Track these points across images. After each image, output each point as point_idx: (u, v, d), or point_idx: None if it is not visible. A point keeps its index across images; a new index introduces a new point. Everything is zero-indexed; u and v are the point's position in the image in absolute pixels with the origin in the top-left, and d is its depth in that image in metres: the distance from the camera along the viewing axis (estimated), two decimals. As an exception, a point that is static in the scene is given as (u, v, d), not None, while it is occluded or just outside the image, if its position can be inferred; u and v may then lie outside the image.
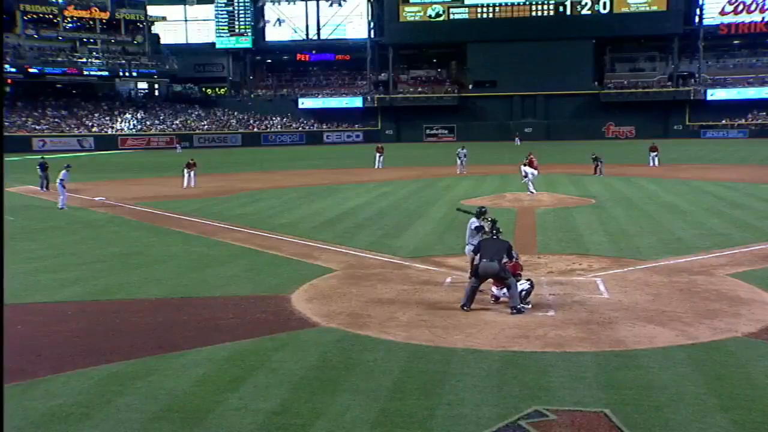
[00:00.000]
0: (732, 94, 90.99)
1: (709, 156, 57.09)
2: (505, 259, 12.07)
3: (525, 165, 30.89)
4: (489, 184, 36.36)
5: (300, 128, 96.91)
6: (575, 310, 11.98)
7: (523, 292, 12.44)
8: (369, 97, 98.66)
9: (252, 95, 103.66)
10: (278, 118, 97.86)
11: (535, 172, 30.60)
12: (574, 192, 31.51)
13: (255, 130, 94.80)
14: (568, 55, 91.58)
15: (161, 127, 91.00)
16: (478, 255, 12.18)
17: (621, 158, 47.52)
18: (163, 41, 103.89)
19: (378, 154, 48.23)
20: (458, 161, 43.19)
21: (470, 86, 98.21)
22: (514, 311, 11.68)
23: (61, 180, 27.56)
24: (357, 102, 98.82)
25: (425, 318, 11.64)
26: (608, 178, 37.19)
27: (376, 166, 47.26)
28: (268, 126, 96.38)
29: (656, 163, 45.36)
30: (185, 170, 36.00)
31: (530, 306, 12.20)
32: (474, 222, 14.00)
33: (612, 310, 11.93)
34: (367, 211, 25.79)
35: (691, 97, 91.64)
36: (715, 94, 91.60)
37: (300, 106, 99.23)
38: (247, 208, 27.43)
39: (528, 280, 12.54)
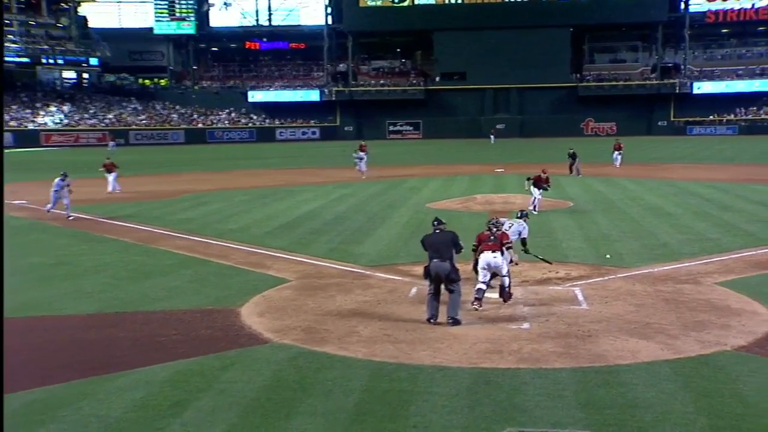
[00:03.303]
0: (720, 88, 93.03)
1: (696, 154, 58.29)
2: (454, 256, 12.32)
3: (531, 184, 26.80)
4: (458, 185, 36.62)
5: (250, 124, 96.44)
6: (552, 323, 12.13)
7: (506, 288, 13.16)
8: (326, 90, 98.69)
9: (196, 87, 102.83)
10: (225, 113, 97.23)
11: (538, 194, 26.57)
12: (551, 194, 31.83)
13: (199, 125, 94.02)
14: (544, 45, 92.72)
15: (92, 121, 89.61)
16: (427, 253, 12.32)
17: (601, 157, 48.25)
18: (92, 25, 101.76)
19: (361, 153, 47.33)
20: (356, 165, 41.17)
21: (437, 78, 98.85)
22: (451, 321, 11.86)
23: (57, 188, 26.57)
24: (313, 95, 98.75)
25: (389, 332, 11.68)
26: (587, 179, 37.74)
27: (357, 168, 46.67)
28: (214, 121, 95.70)
29: (618, 163, 45.14)
30: (105, 173, 34.86)
31: (511, 298, 13.19)
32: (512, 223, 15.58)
33: (592, 322, 12.11)
34: (325, 215, 25.74)
35: (677, 91, 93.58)
36: (702, 88, 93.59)
37: (250, 99, 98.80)
38: (191, 213, 27.17)
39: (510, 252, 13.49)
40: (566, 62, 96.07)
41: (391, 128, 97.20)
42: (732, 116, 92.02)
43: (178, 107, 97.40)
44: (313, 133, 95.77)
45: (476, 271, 13.49)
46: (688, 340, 11.11)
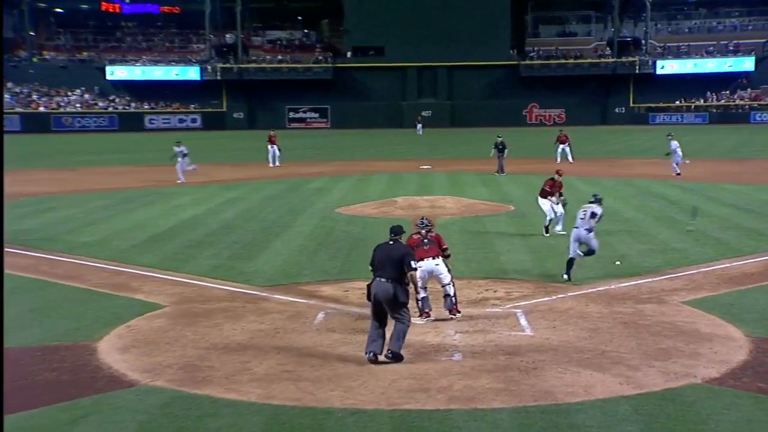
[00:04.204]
0: (687, 67, 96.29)
1: (659, 147, 59.87)
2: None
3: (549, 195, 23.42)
4: (375, 186, 36.82)
5: (110, 108, 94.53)
6: (489, 353, 12.32)
7: (453, 299, 13.92)
8: (209, 67, 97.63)
9: (35, 60, 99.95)
10: (77, 94, 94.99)
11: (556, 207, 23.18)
12: (487, 195, 32.45)
13: (41, 109, 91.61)
14: (478, 15, 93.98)
15: None
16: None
17: (547, 151, 49.31)
18: None
19: (270, 146, 47.15)
20: (177, 162, 39.29)
21: (349, 54, 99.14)
22: (390, 355, 11.85)
23: None
24: (192, 73, 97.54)
25: (290, 368, 11.65)
26: (529, 177, 38.46)
27: (271, 163, 46.66)
28: (62, 104, 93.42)
29: (570, 157, 46.58)
30: None
31: (460, 315, 14.04)
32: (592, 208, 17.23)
33: (537, 352, 12.35)
34: (208, 224, 25.61)
35: (637, 71, 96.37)
36: (666, 67, 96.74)
37: (109, 76, 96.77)
38: (31, 221, 26.49)
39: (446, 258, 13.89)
40: (505, 36, 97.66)
41: (292, 115, 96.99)
42: (701, 101, 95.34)
43: (10, 85, 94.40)
44: (194, 120, 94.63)
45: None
46: (651, 372, 11.44)
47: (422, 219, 14.74)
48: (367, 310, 14.53)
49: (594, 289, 16.51)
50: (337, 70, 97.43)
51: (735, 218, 25.80)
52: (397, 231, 12.56)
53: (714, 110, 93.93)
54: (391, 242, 12.40)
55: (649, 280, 17.39)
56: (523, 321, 14.14)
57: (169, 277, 18.01)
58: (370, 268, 12.31)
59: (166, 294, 16.50)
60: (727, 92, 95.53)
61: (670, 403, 10.30)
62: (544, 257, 19.89)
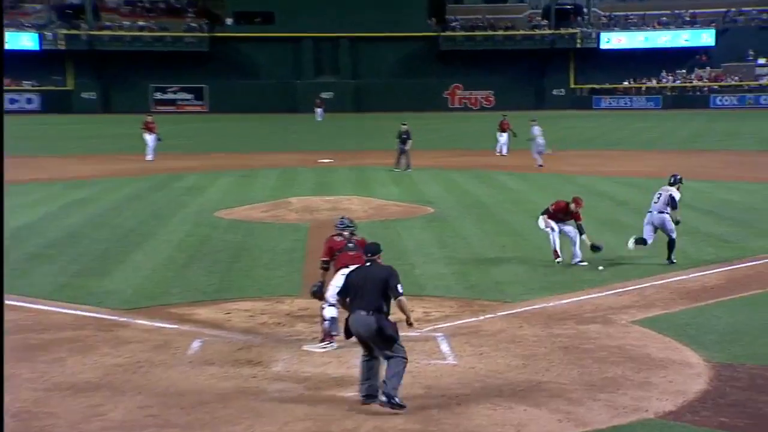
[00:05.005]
0: (636, 41, 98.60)
1: (604, 136, 61.32)
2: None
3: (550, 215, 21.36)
4: (262, 183, 36.64)
5: None
6: (404, 386, 12.34)
7: (326, 323, 13.71)
8: (49, 34, 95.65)
9: None
10: None
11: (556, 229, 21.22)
12: (399, 195, 32.55)
13: None
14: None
15: None
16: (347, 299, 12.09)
17: (473, 141, 49.77)
18: None
19: (148, 135, 45.77)
20: None
21: (229, 21, 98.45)
22: (385, 400, 11.41)
23: None
24: (27, 41, 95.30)
25: (155, 412, 11.49)
26: (449, 173, 38.76)
27: (149, 156, 45.69)
28: None
29: (505, 149, 47.56)
30: None
31: (336, 337, 13.61)
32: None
33: (461, 384, 12.45)
34: (49, 233, 25.15)
35: (578, 45, 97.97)
36: (612, 41, 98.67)
37: None
38: None
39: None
40: (421, 2, 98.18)
41: (159, 96, 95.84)
42: (654, 82, 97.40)
43: None
44: (30, 101, 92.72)
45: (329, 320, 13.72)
46: (596, 406, 11.64)
47: (342, 218, 14.62)
48: (253, 338, 14.58)
49: (529, 308, 16.70)
50: (216, 41, 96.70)
51: (692, 221, 26.22)
52: (373, 250, 12.35)
53: (668, 93, 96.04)
54: (368, 263, 12.22)
55: (594, 295, 17.68)
56: (444, 347, 14.23)
57: None
58: (338, 298, 12.27)
59: (-3, 320, 16.09)
60: (684, 71, 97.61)
61: (619, 443, 10.49)
62: (468, 271, 20.01)
